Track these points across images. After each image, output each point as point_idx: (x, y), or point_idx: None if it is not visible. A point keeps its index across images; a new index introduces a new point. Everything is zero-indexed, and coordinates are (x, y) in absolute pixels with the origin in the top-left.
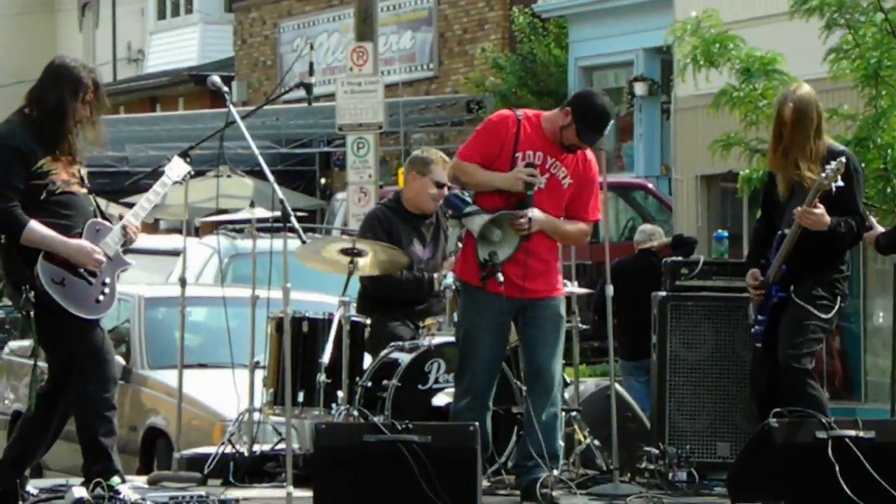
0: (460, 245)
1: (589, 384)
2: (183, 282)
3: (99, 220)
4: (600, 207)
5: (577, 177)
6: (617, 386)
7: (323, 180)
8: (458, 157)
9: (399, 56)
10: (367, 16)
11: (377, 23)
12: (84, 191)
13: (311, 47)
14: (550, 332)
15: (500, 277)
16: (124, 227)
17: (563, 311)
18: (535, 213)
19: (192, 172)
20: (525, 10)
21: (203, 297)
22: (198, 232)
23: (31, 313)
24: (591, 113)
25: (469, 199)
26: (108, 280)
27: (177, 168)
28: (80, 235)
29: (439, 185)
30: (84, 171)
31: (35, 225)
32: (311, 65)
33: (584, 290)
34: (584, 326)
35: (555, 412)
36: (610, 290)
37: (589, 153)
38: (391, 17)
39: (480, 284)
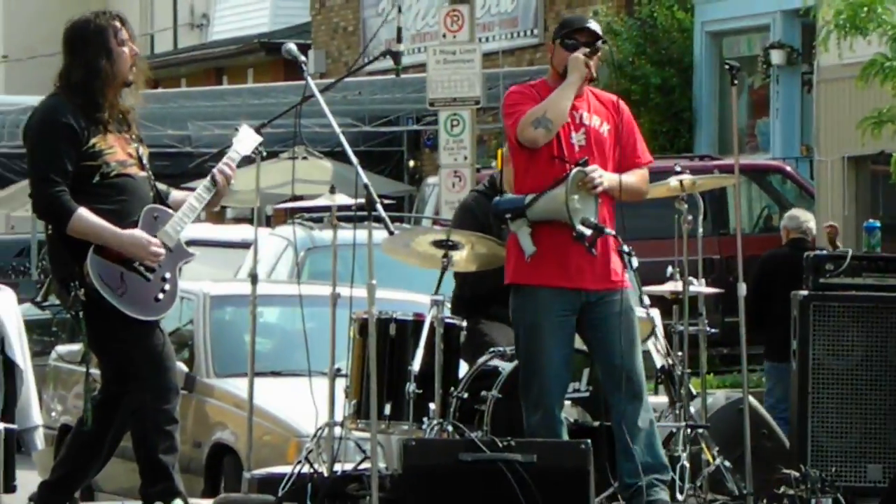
0: (534, 248)
1: (718, 397)
2: (254, 278)
3: (158, 206)
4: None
5: (613, 121)
6: (751, 399)
7: (412, 163)
8: (516, 121)
9: (499, 20)
10: None
11: None
12: (144, 173)
13: (399, 10)
14: (628, 329)
15: (595, 251)
16: (213, 180)
17: (634, 304)
18: (600, 168)
19: (264, 148)
20: None
21: (276, 296)
22: (270, 221)
23: (81, 314)
24: (564, 23)
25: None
26: (168, 275)
27: (246, 139)
28: (135, 224)
29: None
30: (144, 151)
31: (84, 213)
32: (399, 31)
33: (711, 290)
34: (713, 330)
35: (651, 418)
36: (742, 288)
37: (614, 97)
38: None
39: (544, 281)
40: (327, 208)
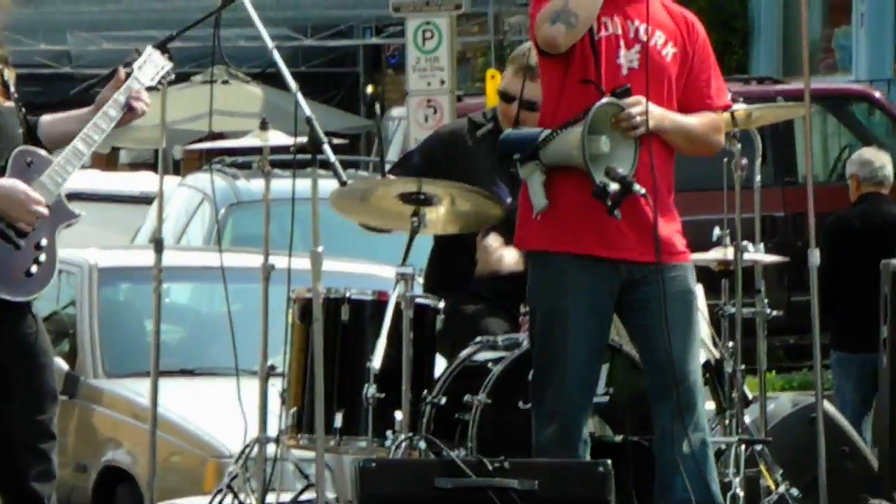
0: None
1: (782, 402)
2: (158, 243)
3: (30, 147)
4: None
5: (682, 42)
6: (828, 405)
7: (370, 88)
8: (535, 12)
9: None
10: None
11: None
12: (9, 103)
13: None
14: (681, 317)
15: (618, 213)
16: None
17: (693, 283)
18: (645, 101)
19: (173, 74)
20: None
21: (188, 268)
22: (179, 167)
23: None
24: None
25: (531, 129)
26: (44, 241)
27: (150, 65)
28: (1, 172)
29: (501, 95)
30: (10, 74)
31: None
32: None
33: (773, 258)
34: (775, 312)
35: (703, 438)
36: (816, 256)
37: (690, 14)
38: None
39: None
40: (257, 150)
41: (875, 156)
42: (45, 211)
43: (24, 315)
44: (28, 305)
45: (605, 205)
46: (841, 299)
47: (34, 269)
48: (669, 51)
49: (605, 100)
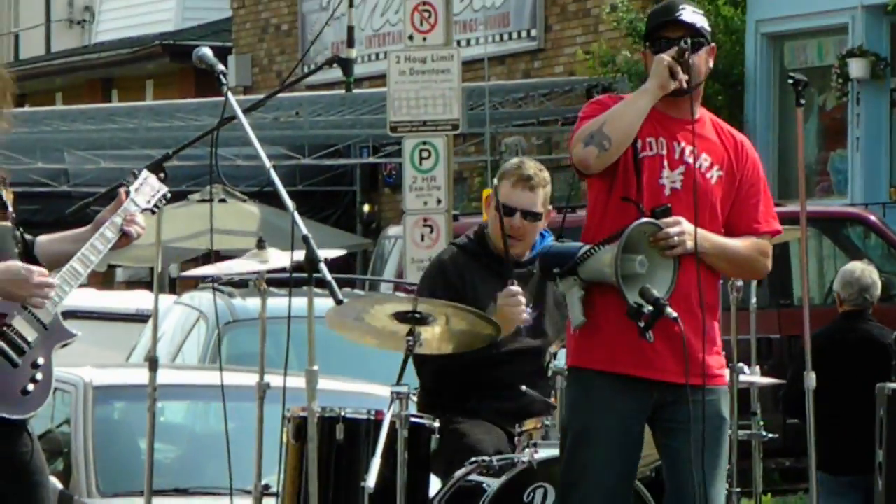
0: (583, 318)
1: None
2: (153, 362)
3: (27, 265)
4: (779, 227)
5: (729, 165)
6: None
7: (367, 207)
8: (576, 132)
9: (486, 18)
10: None
11: None
12: (6, 223)
13: (351, 3)
14: (710, 441)
15: (650, 336)
16: (106, 234)
17: (725, 409)
18: (686, 222)
19: (169, 195)
20: None
21: (184, 386)
22: (175, 286)
23: None
24: (650, 17)
25: (571, 242)
26: (41, 360)
27: (147, 187)
28: None
29: (500, 209)
30: (8, 195)
31: None
32: (351, 30)
33: (768, 380)
34: (770, 435)
35: None
36: (812, 379)
37: (740, 136)
38: None
39: (605, 365)
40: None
41: (861, 275)
42: (52, 280)
43: (21, 433)
44: (24, 424)
45: (637, 326)
46: (826, 420)
47: (31, 387)
48: (714, 174)
49: (642, 220)
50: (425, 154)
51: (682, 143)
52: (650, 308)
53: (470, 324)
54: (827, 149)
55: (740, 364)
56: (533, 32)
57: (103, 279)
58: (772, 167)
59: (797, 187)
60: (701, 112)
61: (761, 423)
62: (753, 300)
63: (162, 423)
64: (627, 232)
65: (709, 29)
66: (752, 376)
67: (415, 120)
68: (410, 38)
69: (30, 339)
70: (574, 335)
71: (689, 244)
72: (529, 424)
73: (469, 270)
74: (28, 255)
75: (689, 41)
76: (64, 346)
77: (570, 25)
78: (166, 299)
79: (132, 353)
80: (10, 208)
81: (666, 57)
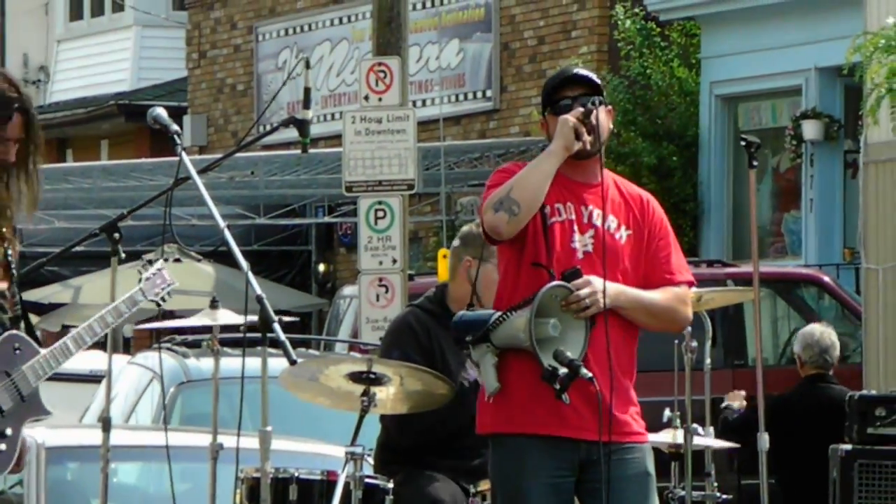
0: (497, 384)
1: None
2: (106, 422)
3: (20, 334)
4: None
5: (636, 223)
6: None
7: (322, 267)
8: (484, 200)
9: (441, 78)
10: (391, 16)
11: (407, 27)
12: (4, 284)
13: (307, 64)
14: (637, 500)
15: (566, 398)
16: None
17: (650, 465)
18: (597, 280)
19: (177, 285)
20: (634, 10)
21: (137, 447)
22: (129, 346)
23: None
24: (546, 84)
25: (484, 310)
26: (8, 431)
27: (157, 280)
28: None
29: None
30: (13, 251)
31: None
32: (308, 91)
33: (723, 444)
34: (725, 496)
35: None
36: (765, 441)
37: (645, 194)
38: (429, 20)
39: (523, 425)
40: (207, 328)
41: (820, 337)
42: None
43: None
44: None
45: (553, 389)
46: (785, 482)
47: None
48: (623, 233)
49: (552, 283)
50: (381, 214)
51: (590, 207)
52: (565, 370)
53: (425, 384)
54: (781, 210)
55: (694, 425)
56: (488, 93)
57: (56, 338)
58: (726, 228)
59: (750, 248)
60: (604, 174)
61: (715, 484)
62: (708, 361)
63: (115, 483)
64: (539, 296)
65: (600, 83)
66: (707, 438)
67: (370, 180)
68: (366, 98)
69: (4, 407)
70: (489, 403)
71: (602, 303)
72: (484, 485)
73: (434, 332)
74: (27, 322)
75: (596, 101)
76: (35, 420)
77: (526, 86)
78: (120, 359)
79: (86, 413)
80: (14, 266)
81: (571, 118)
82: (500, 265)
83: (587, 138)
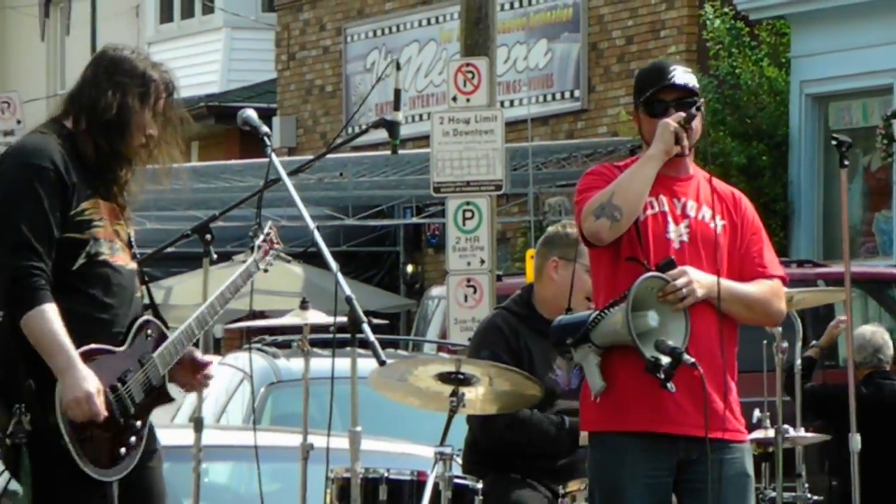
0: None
1: None
2: (197, 423)
3: (154, 320)
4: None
5: (730, 215)
6: None
7: (410, 268)
8: (581, 205)
9: (529, 79)
10: (479, 17)
11: (495, 28)
12: (133, 265)
13: (398, 66)
14: (735, 502)
15: (671, 387)
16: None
17: (749, 466)
18: (692, 270)
19: (280, 246)
20: (723, 10)
21: (227, 447)
22: (219, 346)
23: (23, 449)
24: (640, 79)
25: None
26: (138, 423)
27: (265, 245)
28: (121, 342)
29: None
30: (132, 232)
31: (50, 310)
32: (397, 93)
33: (813, 436)
34: (816, 497)
35: None
36: (857, 441)
37: (737, 191)
38: (517, 20)
39: (618, 426)
40: (297, 329)
41: (871, 338)
42: (99, 414)
43: (106, 496)
44: (110, 487)
45: (657, 379)
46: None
47: (122, 451)
48: (718, 223)
49: (646, 275)
50: (468, 214)
51: (683, 199)
52: (668, 359)
53: (514, 384)
54: (872, 209)
55: (786, 426)
56: (576, 93)
57: None
58: (816, 228)
59: (841, 248)
60: (694, 168)
61: (806, 485)
62: (798, 361)
63: (206, 483)
64: (634, 288)
65: (697, 85)
66: (797, 431)
67: (458, 180)
68: (454, 99)
69: (137, 399)
70: (594, 401)
71: (700, 292)
72: (573, 486)
73: (522, 334)
74: (154, 310)
75: (699, 107)
76: (159, 407)
77: (614, 86)
78: (211, 360)
79: (177, 413)
80: (135, 247)
81: (672, 123)
82: (592, 264)
83: (686, 143)
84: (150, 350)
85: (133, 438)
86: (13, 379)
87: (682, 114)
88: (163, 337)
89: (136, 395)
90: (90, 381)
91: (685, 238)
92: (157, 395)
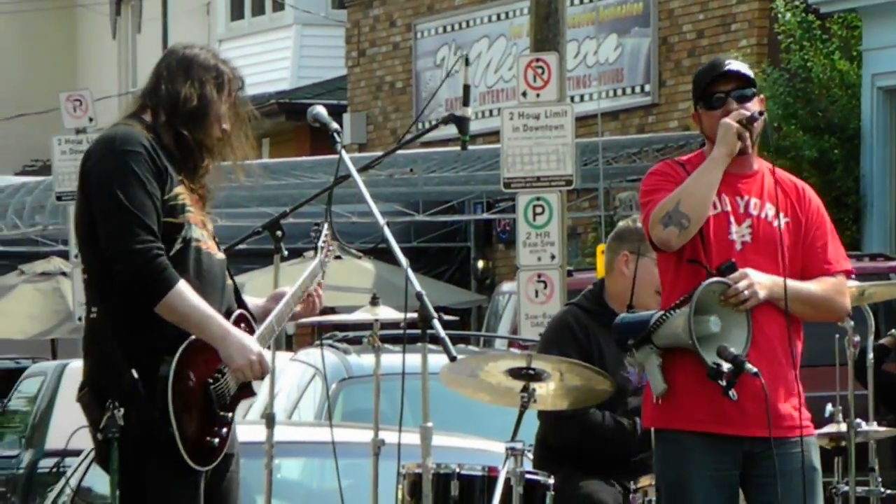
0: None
1: None
2: (270, 419)
3: (248, 314)
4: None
5: (795, 213)
6: None
7: (481, 263)
8: (649, 211)
9: (599, 74)
10: (549, 12)
11: (565, 23)
12: (222, 255)
13: (467, 62)
14: (810, 495)
15: (734, 394)
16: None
17: (816, 459)
18: (753, 272)
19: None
20: (794, 3)
21: (300, 443)
22: (291, 342)
23: (115, 444)
24: (698, 77)
25: (643, 311)
26: (229, 415)
27: (323, 243)
28: None
29: None
30: (210, 225)
31: (184, 288)
32: (466, 88)
33: (887, 430)
34: (889, 491)
35: None
36: None
37: (801, 183)
38: (586, 15)
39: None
40: (368, 325)
41: None
42: (267, 373)
43: (198, 487)
44: (202, 477)
45: (719, 386)
46: None
47: (216, 441)
48: (781, 221)
49: (709, 280)
50: (539, 210)
51: (746, 197)
52: (730, 366)
53: (585, 379)
54: None
55: (858, 420)
56: (647, 87)
57: None
58: (889, 221)
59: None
60: (759, 163)
61: (879, 479)
62: (870, 355)
63: (279, 479)
64: (697, 294)
65: (753, 76)
66: (871, 430)
67: (528, 176)
68: (524, 94)
69: (231, 392)
70: (656, 403)
71: (762, 294)
72: (644, 481)
73: (593, 331)
74: (240, 300)
75: (762, 112)
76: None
77: (685, 80)
78: (283, 356)
79: (249, 409)
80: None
81: (734, 123)
82: (660, 265)
83: (749, 143)
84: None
85: (225, 430)
86: (108, 374)
87: (745, 112)
88: (252, 329)
89: (232, 388)
90: (253, 342)
91: (747, 238)
92: (244, 388)
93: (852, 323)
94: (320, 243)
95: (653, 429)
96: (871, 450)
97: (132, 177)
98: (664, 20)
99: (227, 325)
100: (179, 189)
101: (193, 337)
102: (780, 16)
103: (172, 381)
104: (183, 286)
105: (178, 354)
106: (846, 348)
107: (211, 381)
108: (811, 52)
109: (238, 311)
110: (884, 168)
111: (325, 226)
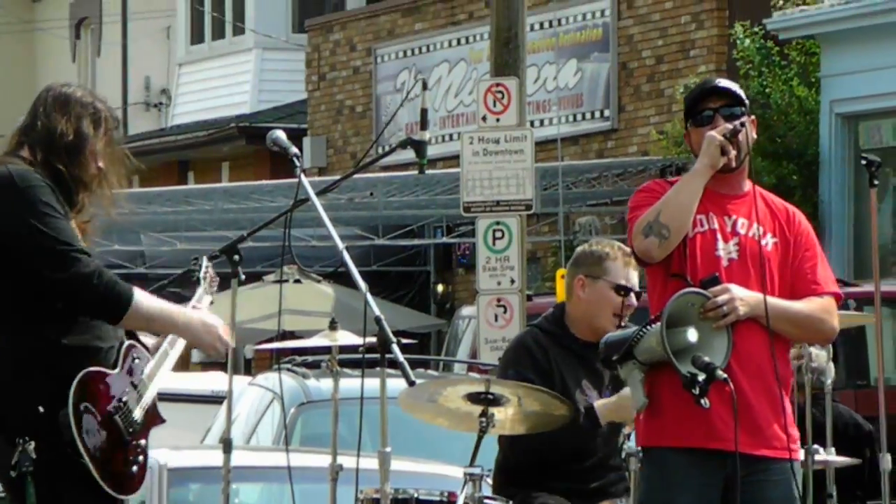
0: (644, 399)
1: None
2: (227, 444)
3: (137, 344)
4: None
5: (783, 232)
6: None
7: (440, 287)
8: (632, 223)
9: (559, 98)
10: (509, 37)
11: (525, 48)
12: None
13: (425, 86)
14: None
15: (706, 402)
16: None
17: (795, 488)
18: (736, 288)
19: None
20: (753, 30)
21: (257, 468)
22: (250, 367)
23: (29, 478)
24: (688, 97)
25: (630, 325)
26: (143, 441)
27: (208, 277)
28: (113, 364)
29: (620, 290)
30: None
31: (138, 293)
32: (424, 112)
33: (843, 459)
34: None
35: None
36: (887, 461)
37: (791, 207)
38: (546, 40)
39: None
40: (327, 349)
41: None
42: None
43: None
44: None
45: (692, 394)
46: None
47: (134, 469)
48: (770, 240)
49: (683, 290)
50: (499, 234)
51: (734, 216)
52: (704, 376)
53: (543, 404)
54: None
55: (816, 446)
56: (606, 112)
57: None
58: (847, 247)
59: (872, 268)
60: (749, 185)
61: None
62: (829, 381)
63: None
64: (669, 305)
65: (744, 96)
66: (828, 456)
67: (488, 200)
68: (484, 118)
69: (138, 420)
70: (641, 418)
71: (742, 310)
72: None
73: (553, 353)
74: (132, 334)
75: (745, 122)
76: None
77: (644, 106)
78: (241, 380)
79: (207, 434)
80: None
81: (717, 136)
82: (648, 281)
83: (732, 155)
84: (139, 372)
85: (141, 457)
86: (14, 409)
87: (728, 126)
88: (145, 361)
89: (138, 415)
90: (208, 315)
91: (734, 255)
92: (153, 416)
93: (811, 349)
94: (201, 274)
95: (640, 448)
96: (830, 476)
97: (46, 209)
98: (623, 46)
99: (183, 309)
100: (72, 223)
101: (84, 372)
102: (738, 42)
103: (74, 418)
104: (138, 292)
105: (72, 391)
106: (804, 374)
107: (112, 410)
108: (770, 78)
109: (128, 342)
110: (842, 194)
111: (205, 258)
